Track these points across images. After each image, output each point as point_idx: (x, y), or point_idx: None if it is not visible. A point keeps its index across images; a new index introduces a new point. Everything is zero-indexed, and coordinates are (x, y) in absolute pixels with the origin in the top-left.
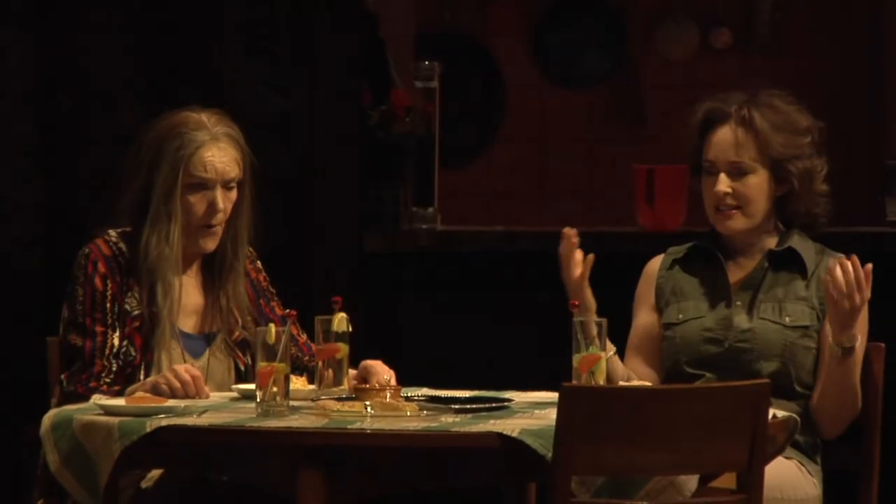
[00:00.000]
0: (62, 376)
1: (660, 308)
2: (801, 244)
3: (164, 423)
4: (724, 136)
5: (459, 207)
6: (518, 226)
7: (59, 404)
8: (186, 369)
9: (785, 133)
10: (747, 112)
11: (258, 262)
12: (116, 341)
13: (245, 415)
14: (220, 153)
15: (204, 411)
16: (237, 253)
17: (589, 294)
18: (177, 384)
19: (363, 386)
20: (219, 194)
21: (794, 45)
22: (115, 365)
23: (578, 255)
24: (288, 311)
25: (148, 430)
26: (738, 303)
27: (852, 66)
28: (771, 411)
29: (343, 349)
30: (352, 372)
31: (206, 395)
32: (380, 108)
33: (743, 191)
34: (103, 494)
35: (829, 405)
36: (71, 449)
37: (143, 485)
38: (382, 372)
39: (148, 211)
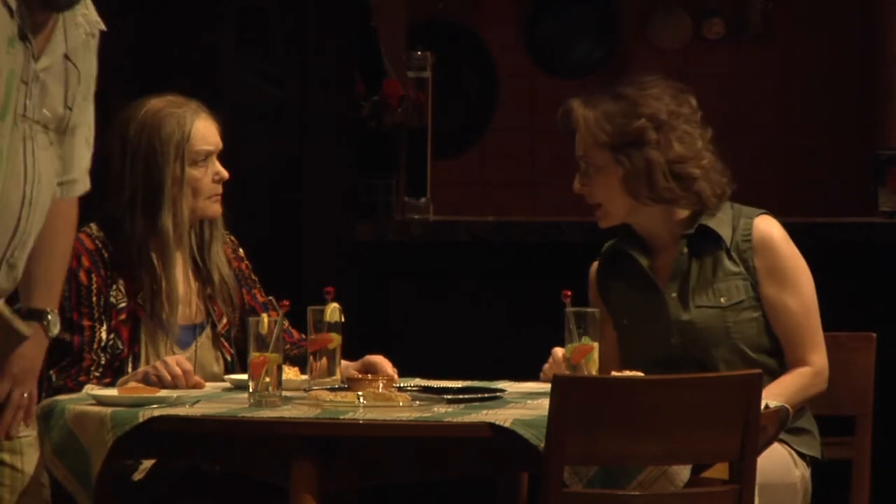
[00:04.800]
0: (51, 372)
1: (609, 314)
2: (713, 219)
3: (157, 413)
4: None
5: (452, 197)
6: (510, 216)
7: None
8: (178, 362)
9: (613, 121)
10: (571, 107)
11: (240, 250)
12: (104, 335)
13: (238, 405)
14: (210, 124)
15: (197, 401)
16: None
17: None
18: (167, 377)
19: (356, 376)
20: (218, 163)
21: (787, 35)
22: (103, 358)
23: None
24: (269, 297)
25: (141, 420)
26: (673, 295)
27: (844, 57)
28: (763, 401)
29: (336, 339)
30: (347, 363)
31: (201, 386)
32: (372, 99)
33: (591, 189)
34: (95, 484)
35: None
36: (63, 439)
37: (136, 477)
38: (386, 367)
39: (157, 197)
